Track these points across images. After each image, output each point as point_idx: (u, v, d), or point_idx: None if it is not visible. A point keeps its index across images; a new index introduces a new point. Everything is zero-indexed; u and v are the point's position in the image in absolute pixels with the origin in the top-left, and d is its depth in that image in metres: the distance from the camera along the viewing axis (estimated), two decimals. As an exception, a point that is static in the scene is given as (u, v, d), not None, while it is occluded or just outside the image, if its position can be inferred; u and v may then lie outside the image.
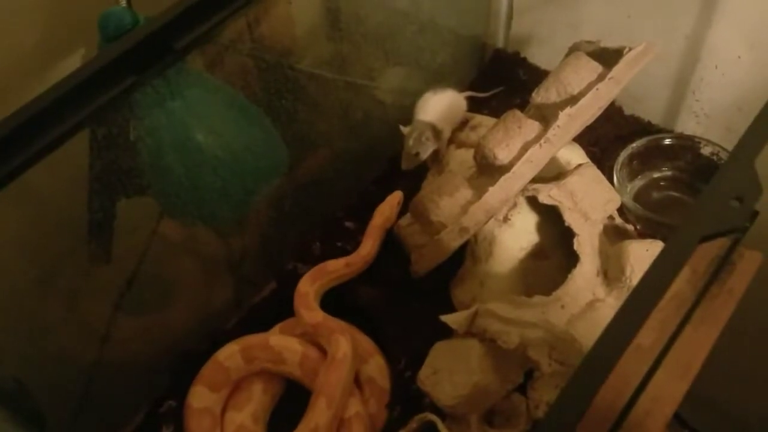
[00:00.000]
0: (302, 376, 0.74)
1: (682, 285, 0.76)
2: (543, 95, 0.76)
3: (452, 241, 0.73)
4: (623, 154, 0.88)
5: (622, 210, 0.84)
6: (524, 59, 1.08)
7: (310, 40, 0.88)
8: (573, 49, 0.81)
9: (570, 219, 0.74)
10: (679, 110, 1.00)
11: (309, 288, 0.78)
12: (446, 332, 0.72)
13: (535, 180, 0.74)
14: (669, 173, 0.92)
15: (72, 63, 0.80)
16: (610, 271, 0.73)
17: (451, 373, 0.69)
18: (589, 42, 0.81)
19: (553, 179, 0.76)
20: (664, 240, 0.71)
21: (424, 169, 0.90)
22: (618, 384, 0.67)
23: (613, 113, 0.98)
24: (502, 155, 0.73)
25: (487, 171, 0.76)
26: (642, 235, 0.82)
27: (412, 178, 0.89)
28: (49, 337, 0.70)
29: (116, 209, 0.71)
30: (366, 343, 0.77)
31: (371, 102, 0.97)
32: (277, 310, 0.81)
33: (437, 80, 0.92)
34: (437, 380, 0.69)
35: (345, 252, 0.86)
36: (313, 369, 0.73)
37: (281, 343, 0.75)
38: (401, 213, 0.85)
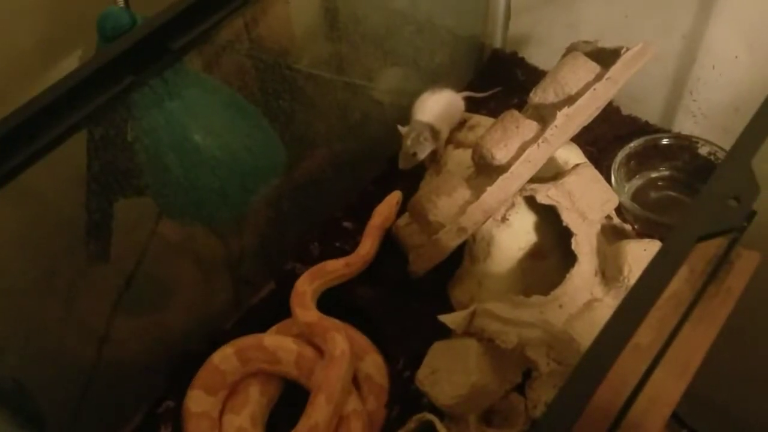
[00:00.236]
0: (299, 375, 0.74)
1: (680, 284, 0.76)
2: (541, 95, 0.76)
3: (450, 241, 0.73)
4: (621, 154, 0.88)
5: (619, 210, 0.84)
6: (522, 59, 1.08)
7: (308, 40, 0.88)
8: (570, 49, 0.81)
9: (568, 219, 0.74)
10: (676, 110, 1.00)
11: (307, 287, 0.78)
12: (445, 332, 0.72)
13: (533, 180, 0.74)
14: (666, 173, 0.92)
15: (70, 63, 0.80)
16: (608, 271, 0.73)
17: (450, 372, 0.69)
18: (586, 42, 0.81)
19: (551, 179, 0.76)
20: (661, 240, 0.72)
21: (422, 169, 0.90)
22: (616, 383, 0.67)
23: (610, 113, 0.98)
24: (500, 155, 0.73)
25: (485, 171, 0.76)
26: (640, 234, 0.82)
27: (411, 178, 0.89)
28: (48, 338, 0.70)
29: (114, 209, 0.71)
30: (362, 340, 0.77)
31: (369, 102, 0.97)
32: (276, 310, 0.81)
33: (435, 80, 0.91)
34: (436, 380, 0.69)
35: (344, 252, 0.85)
36: (309, 367, 0.73)
37: (276, 343, 0.75)
38: (400, 213, 0.85)
